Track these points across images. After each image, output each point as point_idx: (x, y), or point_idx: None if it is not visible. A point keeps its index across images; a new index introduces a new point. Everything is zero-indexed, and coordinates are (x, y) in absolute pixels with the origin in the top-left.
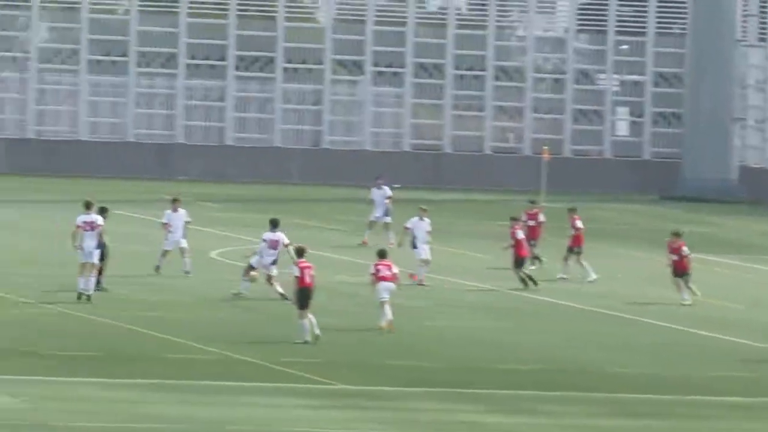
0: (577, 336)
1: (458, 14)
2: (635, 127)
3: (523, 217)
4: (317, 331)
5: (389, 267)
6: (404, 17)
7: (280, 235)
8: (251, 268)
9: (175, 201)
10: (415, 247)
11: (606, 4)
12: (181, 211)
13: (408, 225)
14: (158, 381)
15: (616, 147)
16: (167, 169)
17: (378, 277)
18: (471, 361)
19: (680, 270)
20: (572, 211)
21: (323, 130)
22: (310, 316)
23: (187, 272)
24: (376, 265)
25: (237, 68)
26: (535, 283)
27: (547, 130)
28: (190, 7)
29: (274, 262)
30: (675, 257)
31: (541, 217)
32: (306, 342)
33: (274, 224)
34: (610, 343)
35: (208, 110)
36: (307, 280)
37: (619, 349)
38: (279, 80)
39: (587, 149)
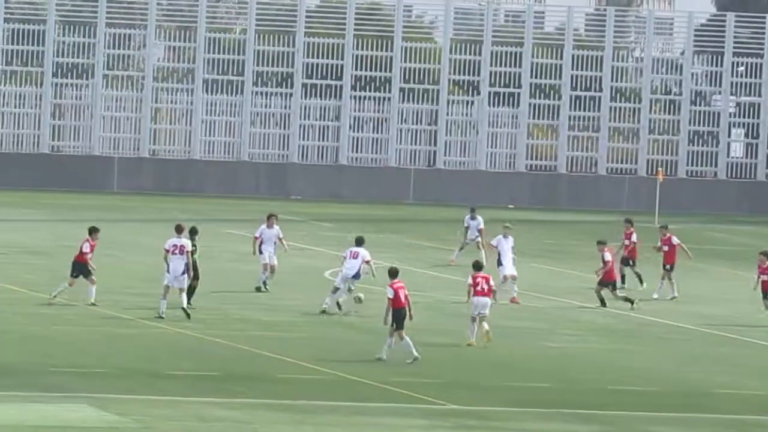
0: (689, 357)
1: (575, 35)
2: (750, 149)
3: (623, 238)
4: (416, 353)
5: (487, 280)
6: (521, 37)
7: (362, 250)
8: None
9: (270, 217)
10: (500, 264)
11: (723, 26)
12: (276, 228)
13: (493, 243)
14: (272, 401)
15: (731, 168)
16: (281, 188)
17: (475, 291)
18: (583, 381)
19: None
20: (663, 228)
21: (438, 150)
22: (407, 337)
23: (265, 288)
24: (474, 277)
25: (353, 88)
26: (632, 302)
27: (662, 151)
28: (307, 27)
29: (356, 275)
30: (765, 277)
31: (634, 237)
32: (380, 359)
33: (358, 242)
34: (721, 364)
35: (324, 130)
36: (402, 300)
37: (731, 370)
38: (395, 100)
39: (702, 170)
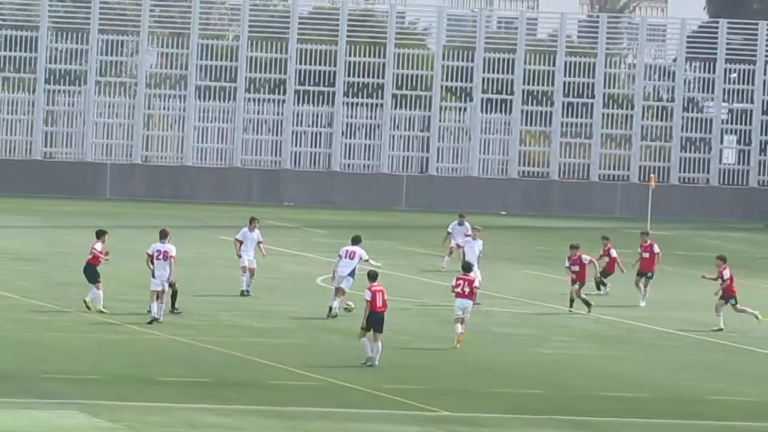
0: (680, 364)
1: (568, 41)
2: (742, 155)
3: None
4: (377, 361)
5: (470, 283)
6: (514, 44)
7: (359, 249)
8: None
9: (252, 220)
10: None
11: (716, 32)
12: (257, 231)
13: (461, 243)
14: (263, 407)
15: (723, 175)
16: (274, 195)
17: (456, 293)
18: (575, 388)
19: (727, 294)
20: (645, 234)
21: (431, 157)
22: (380, 344)
23: (247, 292)
24: (457, 278)
25: (346, 94)
26: (588, 306)
27: (654, 158)
28: (300, 33)
29: (351, 273)
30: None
31: (613, 253)
32: (370, 358)
33: (354, 241)
34: (712, 371)
35: (316, 136)
36: (379, 303)
37: (722, 376)
38: (388, 106)
39: (694, 177)
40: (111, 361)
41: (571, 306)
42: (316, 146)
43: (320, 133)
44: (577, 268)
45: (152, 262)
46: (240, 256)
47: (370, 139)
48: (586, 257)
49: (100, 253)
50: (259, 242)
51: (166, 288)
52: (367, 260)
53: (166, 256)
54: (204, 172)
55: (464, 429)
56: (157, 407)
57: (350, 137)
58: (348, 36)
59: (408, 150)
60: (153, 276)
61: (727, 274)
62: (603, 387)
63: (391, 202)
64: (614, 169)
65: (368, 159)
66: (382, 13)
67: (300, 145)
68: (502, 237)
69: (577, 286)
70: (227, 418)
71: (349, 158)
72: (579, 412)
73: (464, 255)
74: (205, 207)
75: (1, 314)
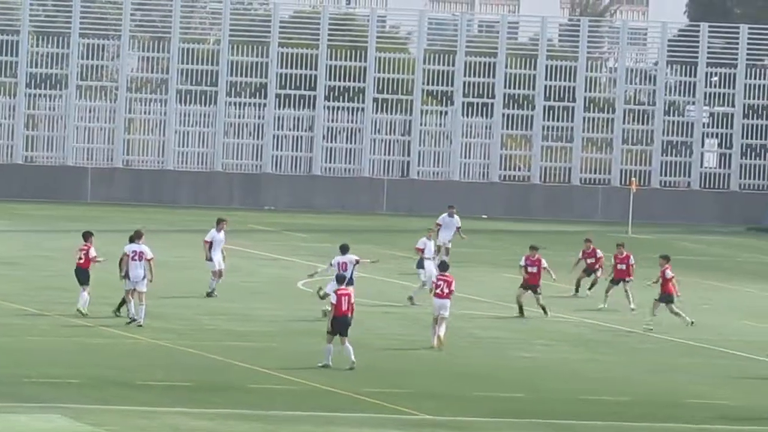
0: (661, 367)
1: (549, 45)
2: (724, 159)
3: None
4: (353, 359)
5: (449, 283)
6: (495, 48)
7: (350, 257)
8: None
9: (220, 221)
10: (421, 267)
11: (696, 36)
12: (223, 233)
13: (419, 245)
14: (245, 411)
15: (705, 179)
16: (255, 199)
17: (435, 293)
18: (555, 391)
19: (664, 294)
20: (621, 246)
21: (412, 161)
22: (348, 344)
23: (213, 292)
24: (437, 277)
25: (327, 98)
26: (545, 312)
27: (635, 162)
28: (281, 37)
29: (350, 282)
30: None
31: (599, 253)
32: (326, 366)
33: (343, 250)
34: (693, 375)
35: (297, 140)
36: (344, 307)
37: (704, 380)
38: (369, 110)
39: (675, 180)
40: (92, 364)
41: (521, 313)
42: (297, 150)
43: (301, 137)
44: (534, 269)
45: (123, 263)
46: (210, 259)
47: (351, 143)
48: (545, 263)
49: (95, 257)
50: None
51: (142, 288)
52: (358, 261)
53: (141, 257)
54: (185, 176)
55: None
56: (138, 411)
57: (331, 141)
58: (329, 40)
59: (389, 154)
60: (126, 277)
61: (669, 273)
62: (583, 390)
63: (371, 206)
64: (595, 173)
65: (349, 163)
66: (363, 17)
67: (281, 149)
68: (483, 241)
69: (530, 292)
70: (209, 422)
71: (330, 162)
72: (559, 415)
73: (438, 234)
74: (186, 211)
75: None
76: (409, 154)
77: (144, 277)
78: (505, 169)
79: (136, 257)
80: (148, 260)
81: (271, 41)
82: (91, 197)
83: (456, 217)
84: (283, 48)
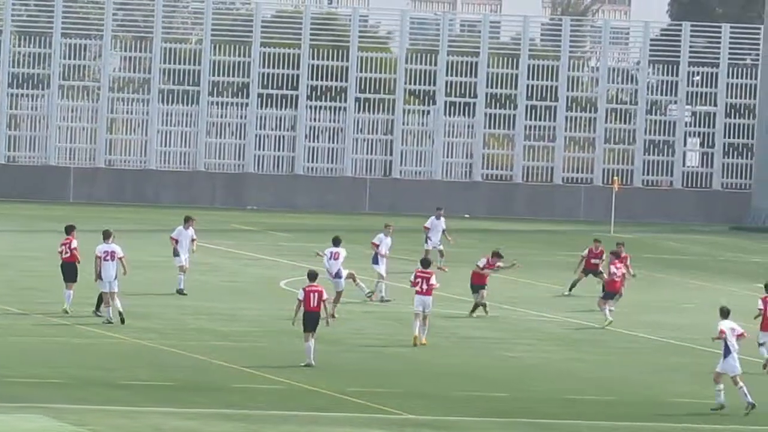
0: (647, 366)
1: (531, 45)
2: (706, 158)
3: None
4: (311, 361)
5: (427, 279)
6: (477, 47)
7: (342, 250)
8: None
9: (188, 219)
10: (376, 262)
11: (678, 36)
12: (191, 230)
13: (375, 241)
14: (228, 410)
15: (687, 178)
16: (237, 198)
17: (416, 290)
18: (541, 391)
19: (611, 289)
20: (597, 242)
21: (394, 160)
22: (312, 342)
23: (180, 291)
24: (417, 275)
25: (309, 98)
26: (485, 308)
27: (618, 161)
28: (263, 37)
29: (338, 275)
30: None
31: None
32: (309, 365)
33: (336, 242)
34: (679, 374)
35: (280, 140)
36: (313, 304)
37: (689, 379)
38: (351, 110)
39: (657, 179)
40: (74, 364)
41: (473, 312)
42: (279, 150)
43: (283, 137)
44: (489, 272)
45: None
46: (177, 255)
47: (333, 142)
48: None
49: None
50: (192, 239)
51: (115, 288)
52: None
53: (113, 257)
54: (167, 175)
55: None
56: (121, 411)
57: (313, 140)
58: (311, 39)
59: (371, 153)
60: (100, 278)
61: (615, 270)
62: (569, 390)
63: (354, 206)
64: (578, 172)
65: (331, 162)
66: (345, 17)
67: (263, 149)
68: (466, 240)
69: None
70: (191, 422)
71: (312, 162)
72: (544, 415)
73: (427, 237)
74: (168, 211)
75: None
76: (391, 154)
77: (116, 277)
78: (487, 169)
79: (108, 257)
80: (120, 258)
81: (253, 41)
82: (73, 197)
83: (442, 219)
84: (265, 48)
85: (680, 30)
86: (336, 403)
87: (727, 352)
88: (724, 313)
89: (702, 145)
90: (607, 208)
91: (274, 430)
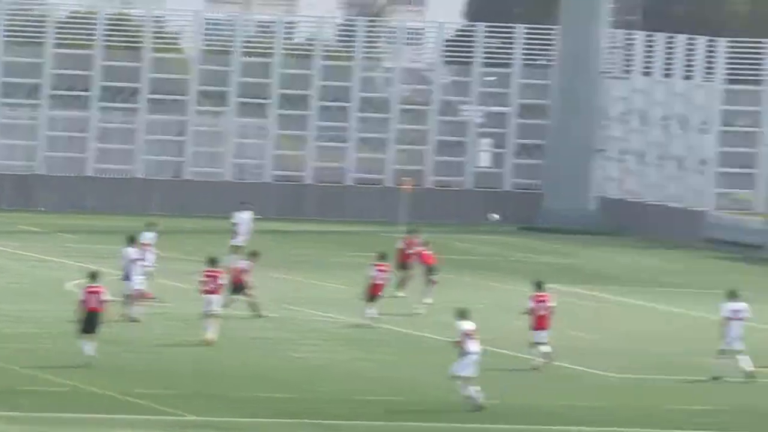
0: (433, 367)
1: (325, 46)
2: (498, 159)
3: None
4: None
5: (215, 278)
6: (271, 48)
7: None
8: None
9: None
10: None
11: (472, 36)
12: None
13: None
14: (13, 413)
15: (478, 178)
16: (27, 200)
17: (204, 290)
18: (328, 393)
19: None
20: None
21: (185, 161)
22: (91, 344)
23: None
24: (206, 274)
25: (101, 99)
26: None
27: (409, 162)
28: (56, 38)
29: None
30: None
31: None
32: (89, 365)
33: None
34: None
35: (70, 141)
36: (92, 304)
37: (476, 380)
38: (143, 111)
39: (449, 180)
40: None
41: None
42: (70, 151)
43: (74, 138)
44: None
45: None
46: None
47: (125, 143)
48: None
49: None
50: None
51: None
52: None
53: None
54: None
55: None
56: None
57: (105, 142)
58: (104, 40)
59: (163, 154)
60: None
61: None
62: (356, 390)
63: (145, 207)
64: (370, 173)
65: (123, 164)
66: (138, 18)
67: (54, 150)
68: (256, 241)
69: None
70: None
71: (103, 163)
72: (332, 416)
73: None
74: None
75: None
76: (183, 155)
77: None
78: (279, 170)
79: None
80: None
81: (46, 42)
82: None
83: (250, 213)
84: (57, 48)
85: (474, 31)
86: (120, 405)
87: (463, 354)
88: (462, 314)
89: (495, 145)
90: (399, 209)
91: None
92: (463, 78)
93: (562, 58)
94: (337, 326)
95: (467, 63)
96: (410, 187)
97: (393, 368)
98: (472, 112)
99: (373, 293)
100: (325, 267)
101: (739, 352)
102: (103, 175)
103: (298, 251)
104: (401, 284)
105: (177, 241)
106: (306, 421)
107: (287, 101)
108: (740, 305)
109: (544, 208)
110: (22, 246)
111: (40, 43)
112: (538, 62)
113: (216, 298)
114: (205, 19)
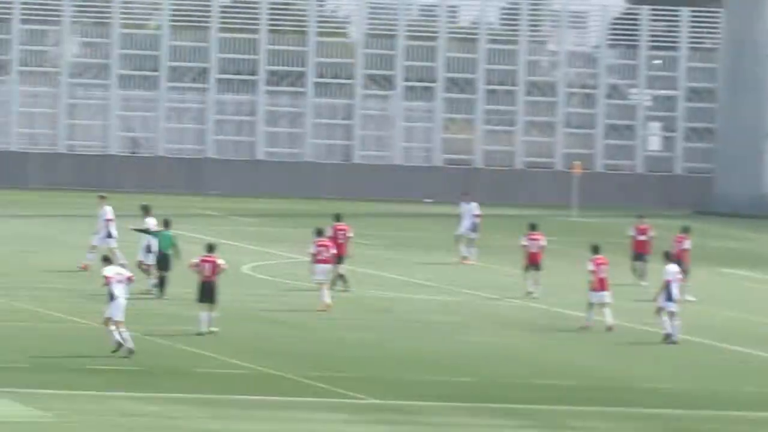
0: (609, 351)
1: (490, 29)
2: (667, 142)
3: (632, 231)
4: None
5: (328, 248)
6: (436, 32)
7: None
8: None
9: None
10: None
11: (638, 19)
12: (105, 209)
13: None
14: (192, 395)
15: (648, 162)
16: (198, 183)
17: (316, 260)
18: (502, 376)
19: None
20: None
21: (354, 145)
22: (214, 312)
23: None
24: (317, 244)
25: (268, 83)
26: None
27: (578, 145)
28: (222, 22)
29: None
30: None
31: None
32: (201, 333)
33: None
34: (642, 359)
35: (239, 125)
36: (207, 273)
37: (649, 364)
38: (310, 95)
39: (619, 164)
40: (39, 349)
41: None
42: (239, 135)
43: (243, 122)
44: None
45: None
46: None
47: (293, 127)
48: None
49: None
50: (107, 219)
51: None
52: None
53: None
54: (129, 161)
55: (395, 417)
56: (87, 395)
57: (273, 125)
58: (269, 24)
59: (331, 138)
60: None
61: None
62: (532, 374)
63: (315, 191)
64: (538, 157)
65: (292, 147)
66: (302, 2)
67: (223, 134)
68: (425, 224)
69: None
70: (159, 407)
71: (272, 146)
72: (506, 400)
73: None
74: (130, 196)
75: None
76: (352, 139)
77: None
78: (447, 153)
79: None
80: None
81: (211, 26)
82: (33, 183)
83: (473, 203)
84: (223, 33)
85: (639, 13)
86: (301, 388)
87: None
88: None
89: (663, 129)
90: (568, 193)
91: (240, 415)
92: (630, 61)
93: (728, 41)
94: (513, 311)
95: (633, 46)
96: (579, 170)
97: (567, 352)
98: (641, 96)
99: (529, 263)
100: (496, 251)
101: None
102: (273, 159)
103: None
104: (638, 273)
105: (355, 226)
106: (482, 405)
107: (454, 84)
108: None
109: (715, 192)
110: (196, 229)
111: (205, 28)
112: (704, 45)
113: (328, 268)
114: (368, 3)
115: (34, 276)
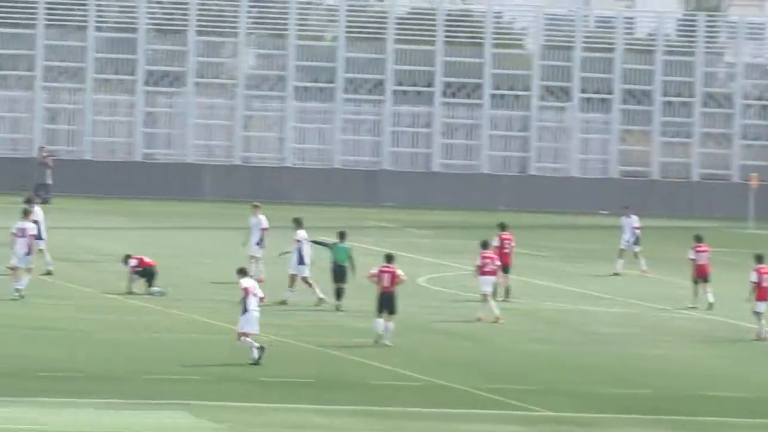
0: None
1: (667, 40)
2: None
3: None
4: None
5: (493, 260)
6: (612, 43)
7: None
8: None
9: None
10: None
11: None
12: (260, 218)
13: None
14: (367, 407)
15: None
16: (373, 195)
17: (482, 271)
18: (682, 389)
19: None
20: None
21: (530, 157)
22: (390, 323)
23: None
24: (483, 257)
25: (444, 94)
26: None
27: (755, 157)
28: (398, 34)
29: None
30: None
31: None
32: (380, 337)
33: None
34: None
35: (415, 137)
36: (385, 283)
37: None
38: (486, 106)
39: None
40: (211, 361)
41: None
42: (415, 146)
43: (419, 134)
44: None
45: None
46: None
47: (469, 139)
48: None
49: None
50: (262, 228)
51: (23, 265)
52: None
53: (24, 233)
54: (304, 173)
55: (570, 428)
56: (260, 407)
57: (449, 137)
58: (445, 36)
59: (507, 150)
60: (14, 253)
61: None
62: (707, 387)
63: (491, 203)
64: (715, 169)
65: (467, 159)
66: (479, 13)
67: (399, 146)
68: (600, 236)
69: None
70: (332, 419)
71: (448, 158)
72: (683, 412)
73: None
74: (306, 208)
75: (97, 315)
76: (528, 151)
77: (27, 253)
78: (624, 165)
79: (20, 234)
80: (31, 236)
81: (388, 38)
82: (209, 194)
83: (633, 216)
84: (399, 44)
85: None
86: (472, 400)
87: None
88: None
89: None
90: (744, 205)
91: (413, 427)
92: None
93: None
94: (689, 323)
95: None
96: (757, 182)
97: (743, 365)
98: None
99: (697, 275)
100: (672, 263)
101: None
102: (449, 171)
103: (642, 247)
104: None
105: (525, 237)
106: (663, 417)
107: (630, 96)
108: None
109: None
110: (373, 241)
111: (381, 39)
112: None
113: (492, 279)
114: (545, 14)
115: (207, 288)
